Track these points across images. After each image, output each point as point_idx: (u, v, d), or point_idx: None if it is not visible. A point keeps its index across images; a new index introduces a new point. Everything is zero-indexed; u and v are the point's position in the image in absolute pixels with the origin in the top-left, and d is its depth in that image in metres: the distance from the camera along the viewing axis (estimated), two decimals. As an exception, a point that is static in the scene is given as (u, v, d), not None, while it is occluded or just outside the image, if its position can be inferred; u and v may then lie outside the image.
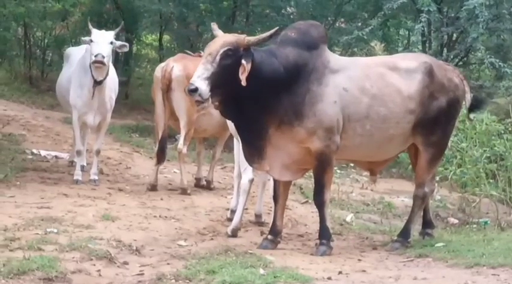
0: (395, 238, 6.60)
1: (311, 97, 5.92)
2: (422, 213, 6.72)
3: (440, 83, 6.31)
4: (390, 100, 6.14)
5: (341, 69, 6.10)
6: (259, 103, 5.84)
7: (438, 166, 6.71)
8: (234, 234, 6.57)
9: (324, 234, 6.13)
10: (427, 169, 6.44)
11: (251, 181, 6.73)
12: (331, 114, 5.95)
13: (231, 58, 5.68)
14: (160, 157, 8.21)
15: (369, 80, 6.14)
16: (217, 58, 5.66)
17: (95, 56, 7.81)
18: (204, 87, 5.57)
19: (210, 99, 5.67)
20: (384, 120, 6.13)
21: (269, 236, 6.25)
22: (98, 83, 8.11)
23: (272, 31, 5.88)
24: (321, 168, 6.04)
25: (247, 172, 6.70)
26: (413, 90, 6.21)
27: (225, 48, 5.69)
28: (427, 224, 6.83)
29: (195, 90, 5.57)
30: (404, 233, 6.54)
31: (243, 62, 5.66)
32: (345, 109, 6.01)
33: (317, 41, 6.09)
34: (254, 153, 6.00)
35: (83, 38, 8.39)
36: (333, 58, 6.22)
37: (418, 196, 6.51)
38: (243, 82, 5.61)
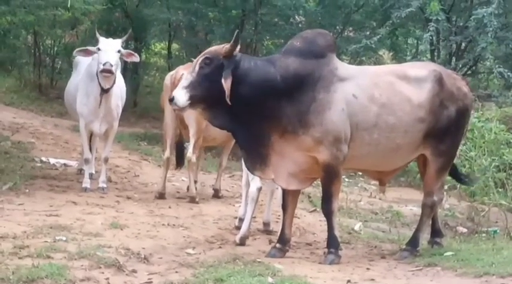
0: (404, 246, 6.58)
1: (317, 105, 5.91)
2: (430, 222, 6.71)
3: (449, 92, 6.30)
4: (399, 109, 6.11)
5: (350, 77, 6.08)
6: (254, 110, 5.88)
7: (446, 175, 6.64)
8: (243, 242, 6.57)
9: (332, 243, 6.12)
10: (435, 178, 6.42)
11: (259, 189, 6.73)
12: (338, 123, 5.92)
13: (209, 66, 5.82)
14: (179, 161, 8.36)
15: (378, 88, 6.11)
16: (196, 67, 5.85)
17: (103, 65, 7.82)
18: (179, 96, 5.80)
19: (187, 107, 5.86)
20: (392, 129, 6.09)
21: (277, 245, 6.24)
22: (104, 91, 8.12)
23: (234, 37, 5.87)
24: (328, 178, 6.03)
25: (256, 181, 6.70)
26: (424, 99, 6.19)
27: (203, 57, 5.87)
28: (435, 233, 6.81)
29: (172, 99, 5.82)
30: (413, 242, 6.51)
31: (223, 74, 5.77)
32: (353, 117, 5.98)
33: (324, 49, 6.09)
34: (256, 160, 6.02)
35: (76, 50, 8.39)
36: (342, 66, 6.19)
37: (426, 204, 6.50)
38: (227, 97, 5.70)
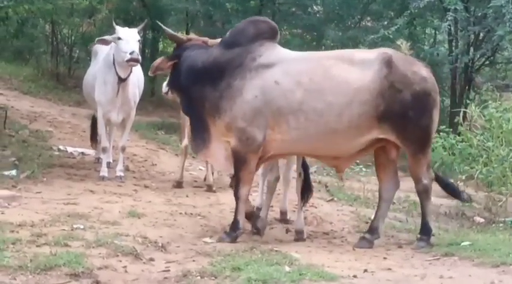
0: (419, 236, 6.53)
1: (231, 92, 6.12)
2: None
3: (402, 75, 6.09)
4: (331, 93, 6.04)
5: (277, 63, 6.15)
6: (192, 96, 6.37)
7: (428, 158, 6.39)
8: (260, 233, 6.57)
9: (233, 226, 6.23)
10: (415, 164, 6.29)
11: (277, 179, 6.73)
12: (248, 109, 6.06)
13: (174, 55, 6.58)
14: None
15: (309, 74, 6.11)
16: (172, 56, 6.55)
17: (130, 54, 7.82)
18: (164, 83, 7.14)
19: (169, 92, 6.92)
20: (321, 114, 6.03)
21: None
22: (122, 80, 8.15)
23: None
24: (237, 164, 6.17)
25: (273, 171, 6.71)
26: (368, 81, 6.05)
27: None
28: (370, 230, 6.52)
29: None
30: (425, 230, 6.46)
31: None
32: (273, 103, 6.06)
33: (252, 37, 6.25)
34: (199, 142, 6.38)
35: (98, 39, 8.43)
36: (270, 52, 6.21)
37: (419, 191, 6.42)
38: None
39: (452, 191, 7.10)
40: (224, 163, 6.33)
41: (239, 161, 6.16)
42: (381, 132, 6.15)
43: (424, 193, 6.41)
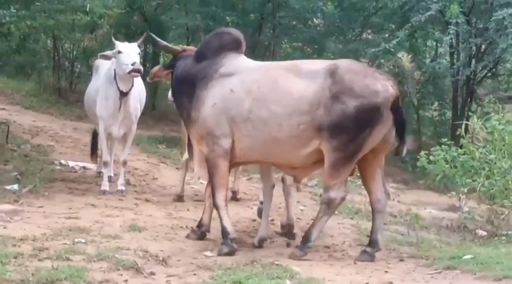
0: (298, 244, 6.38)
1: (197, 101, 6.41)
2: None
3: (347, 87, 6.01)
4: (274, 102, 6.12)
5: (235, 73, 6.35)
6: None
7: (346, 173, 6.17)
8: (261, 244, 6.57)
9: (223, 233, 6.35)
10: (329, 173, 6.08)
11: (273, 186, 6.79)
12: (210, 118, 6.30)
13: (170, 64, 7.00)
14: None
15: (259, 83, 6.23)
16: None
17: (132, 64, 7.86)
18: (170, 91, 7.34)
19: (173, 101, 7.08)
20: (265, 122, 6.13)
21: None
22: (123, 94, 8.19)
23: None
24: (210, 171, 6.40)
25: (269, 179, 6.80)
26: (311, 92, 6.05)
27: None
28: (371, 243, 6.44)
29: None
30: (305, 239, 6.26)
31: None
32: (229, 111, 6.25)
33: (216, 49, 6.52)
34: (190, 149, 6.85)
35: (100, 54, 8.49)
36: (231, 62, 6.42)
37: (323, 200, 6.24)
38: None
39: None
40: (199, 169, 6.58)
41: (212, 167, 6.36)
42: (319, 142, 6.10)
43: (324, 205, 6.19)
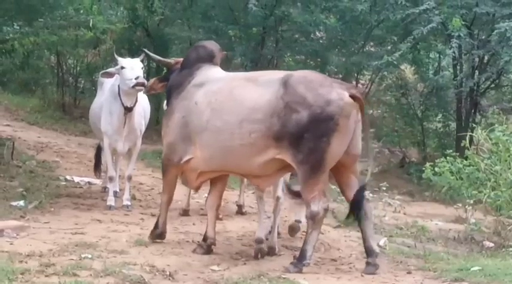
0: (292, 260, 6.31)
1: (169, 111, 6.77)
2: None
3: (299, 96, 6.02)
4: (228, 112, 6.27)
5: (205, 83, 6.57)
6: None
7: (319, 185, 6.08)
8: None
9: (156, 223, 6.90)
10: (305, 187, 6.09)
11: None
12: (173, 128, 6.61)
13: (164, 77, 7.28)
14: None
15: (218, 94, 6.41)
16: None
17: (136, 78, 7.89)
18: (165, 102, 7.44)
19: None
20: (219, 132, 6.27)
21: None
22: (128, 110, 8.21)
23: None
24: (162, 173, 6.88)
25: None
26: (263, 100, 6.12)
27: None
28: (367, 252, 6.38)
29: None
30: (300, 256, 6.19)
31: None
32: (192, 122, 6.48)
33: (193, 61, 6.82)
34: None
35: (102, 72, 8.58)
36: (203, 74, 6.65)
37: (306, 216, 6.19)
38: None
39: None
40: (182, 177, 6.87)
41: (164, 171, 6.82)
42: (278, 152, 6.12)
43: (310, 220, 6.13)
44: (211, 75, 6.68)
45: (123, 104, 8.20)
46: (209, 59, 6.82)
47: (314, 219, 6.09)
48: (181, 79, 6.76)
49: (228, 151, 6.26)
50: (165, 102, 7.54)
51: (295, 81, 6.11)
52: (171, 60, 7.27)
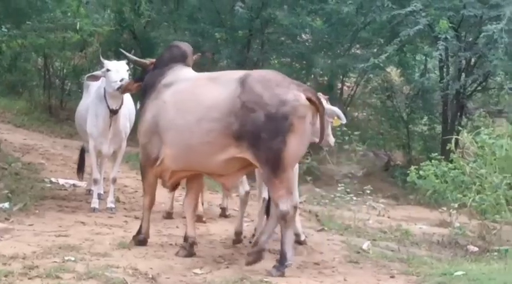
0: (275, 263, 6.29)
1: (143, 110, 6.79)
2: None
3: (256, 95, 6.07)
4: (189, 111, 6.33)
5: (174, 83, 6.62)
6: None
7: (284, 184, 6.05)
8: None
9: (139, 229, 6.93)
10: (270, 188, 6.17)
11: (247, 193, 7.13)
12: (145, 127, 6.67)
13: (139, 77, 7.33)
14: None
15: (182, 93, 6.50)
16: None
17: (121, 81, 7.88)
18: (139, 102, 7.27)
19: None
20: (181, 131, 6.36)
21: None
22: (113, 112, 8.22)
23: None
24: (141, 175, 6.94)
25: (243, 184, 7.14)
26: (221, 99, 6.18)
27: None
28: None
29: None
30: (281, 259, 6.19)
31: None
32: (160, 122, 6.53)
33: (166, 61, 6.89)
34: None
35: (88, 76, 8.59)
36: (174, 74, 6.70)
37: (277, 216, 6.19)
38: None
39: None
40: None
41: (142, 172, 6.88)
42: (239, 151, 6.16)
43: (281, 220, 6.14)
44: (182, 75, 6.73)
45: (108, 106, 8.22)
46: (182, 59, 6.90)
47: (285, 218, 6.11)
48: (154, 79, 6.80)
49: (190, 149, 6.33)
50: (138, 102, 7.58)
51: (252, 80, 6.17)
52: (146, 61, 7.33)
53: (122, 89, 7.49)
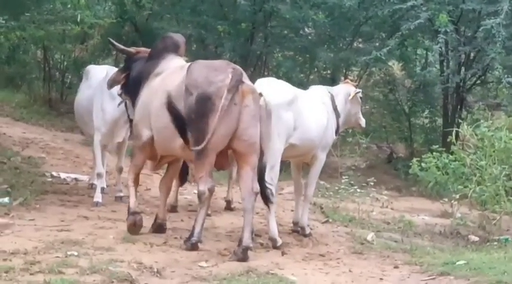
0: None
1: (138, 97, 6.94)
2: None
3: (193, 79, 6.37)
4: (157, 97, 6.62)
5: (162, 72, 6.82)
6: (133, 103, 7.23)
7: (206, 166, 6.33)
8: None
9: (128, 208, 7.04)
10: (195, 169, 6.55)
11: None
12: (139, 112, 6.89)
13: (125, 67, 7.48)
14: (182, 178, 8.27)
15: (159, 80, 6.76)
16: None
17: None
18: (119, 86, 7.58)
19: (122, 94, 7.52)
20: (149, 116, 6.71)
21: None
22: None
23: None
24: (132, 157, 7.22)
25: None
26: (174, 85, 6.49)
27: None
28: (239, 241, 6.49)
29: None
30: (190, 234, 6.59)
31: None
32: (147, 106, 6.77)
33: (159, 51, 7.06)
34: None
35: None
36: (165, 63, 6.89)
37: (197, 195, 6.56)
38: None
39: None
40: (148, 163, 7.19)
41: (134, 151, 7.14)
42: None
43: (199, 198, 6.50)
44: (172, 64, 6.90)
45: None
46: (174, 49, 7.07)
47: (201, 198, 6.45)
48: (149, 69, 6.96)
49: (160, 133, 6.65)
50: (119, 87, 7.62)
51: (195, 65, 6.53)
52: (132, 49, 7.51)
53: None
